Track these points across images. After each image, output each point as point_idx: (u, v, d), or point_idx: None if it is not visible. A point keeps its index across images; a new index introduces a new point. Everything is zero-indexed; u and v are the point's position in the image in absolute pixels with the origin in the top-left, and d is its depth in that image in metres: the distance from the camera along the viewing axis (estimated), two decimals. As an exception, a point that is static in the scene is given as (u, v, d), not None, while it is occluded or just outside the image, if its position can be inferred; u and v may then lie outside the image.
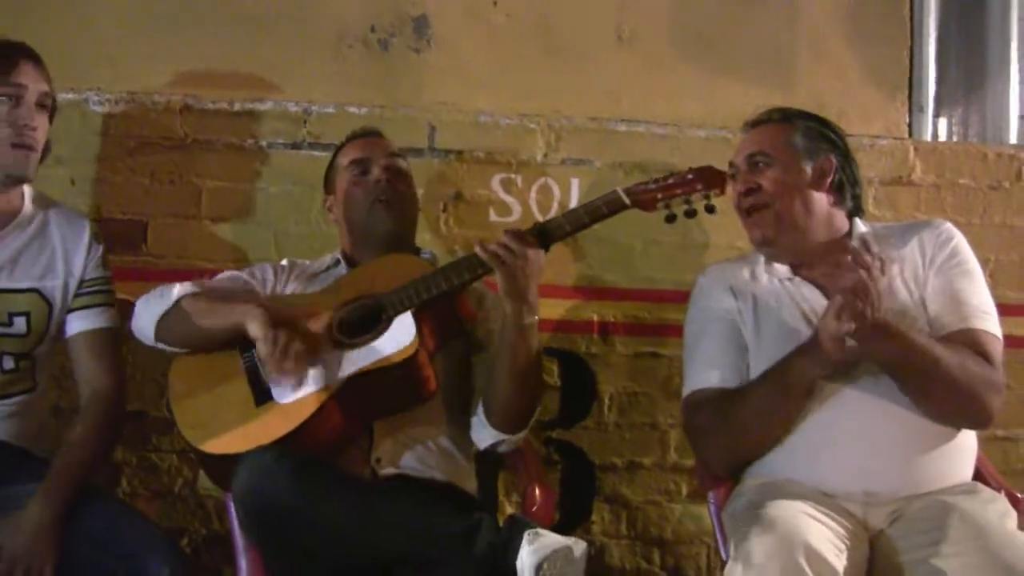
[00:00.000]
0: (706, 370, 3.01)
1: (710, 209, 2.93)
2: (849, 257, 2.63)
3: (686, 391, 3.05)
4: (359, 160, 3.23)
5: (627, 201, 2.91)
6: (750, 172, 3.05)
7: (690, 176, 2.93)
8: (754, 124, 3.17)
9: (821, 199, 3.04)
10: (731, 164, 3.12)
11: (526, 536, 2.51)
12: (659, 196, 2.92)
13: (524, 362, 2.88)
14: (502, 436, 2.99)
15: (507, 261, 2.80)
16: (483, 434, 3.02)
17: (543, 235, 2.89)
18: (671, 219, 2.94)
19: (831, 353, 2.68)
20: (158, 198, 3.65)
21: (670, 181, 2.94)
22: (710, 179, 2.93)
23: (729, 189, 3.02)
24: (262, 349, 2.79)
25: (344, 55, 3.90)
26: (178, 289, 3.01)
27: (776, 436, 2.87)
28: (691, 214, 2.93)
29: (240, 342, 2.94)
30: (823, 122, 3.16)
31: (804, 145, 3.06)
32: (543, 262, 2.86)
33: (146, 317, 3.02)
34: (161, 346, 3.01)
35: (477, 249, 2.84)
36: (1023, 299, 4.03)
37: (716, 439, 2.95)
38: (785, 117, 3.14)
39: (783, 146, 3.06)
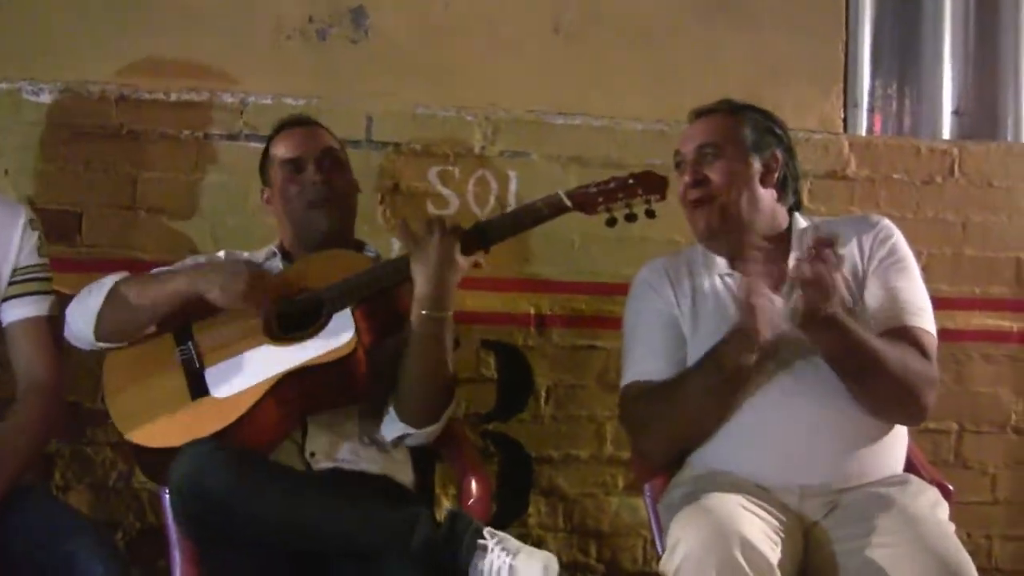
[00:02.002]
0: (644, 362, 3.01)
1: (650, 214, 2.97)
2: (811, 248, 2.63)
3: (624, 382, 3.05)
4: (292, 159, 3.17)
5: (568, 204, 2.95)
6: (699, 163, 3.03)
7: (631, 181, 2.97)
8: (702, 114, 3.16)
9: (767, 195, 3.05)
10: (677, 152, 3.11)
11: (493, 539, 2.50)
12: (600, 201, 2.96)
13: (429, 353, 2.88)
14: (409, 429, 2.97)
15: (416, 240, 2.85)
16: (392, 427, 2.98)
17: (482, 235, 2.91)
18: (611, 223, 2.97)
19: (757, 332, 2.70)
20: (93, 188, 3.62)
21: (612, 186, 2.97)
22: (651, 185, 2.97)
23: (673, 179, 3.03)
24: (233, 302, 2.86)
25: (282, 46, 3.86)
26: (109, 279, 2.98)
27: (714, 424, 2.88)
28: (631, 218, 2.98)
29: (176, 334, 2.94)
30: (768, 116, 3.15)
31: (752, 138, 3.06)
32: (464, 261, 2.87)
33: (81, 318, 2.96)
34: (102, 345, 2.96)
35: (398, 230, 2.89)
36: (955, 293, 4.09)
37: (653, 429, 2.95)
38: (734, 109, 3.13)
39: (732, 138, 3.05)
